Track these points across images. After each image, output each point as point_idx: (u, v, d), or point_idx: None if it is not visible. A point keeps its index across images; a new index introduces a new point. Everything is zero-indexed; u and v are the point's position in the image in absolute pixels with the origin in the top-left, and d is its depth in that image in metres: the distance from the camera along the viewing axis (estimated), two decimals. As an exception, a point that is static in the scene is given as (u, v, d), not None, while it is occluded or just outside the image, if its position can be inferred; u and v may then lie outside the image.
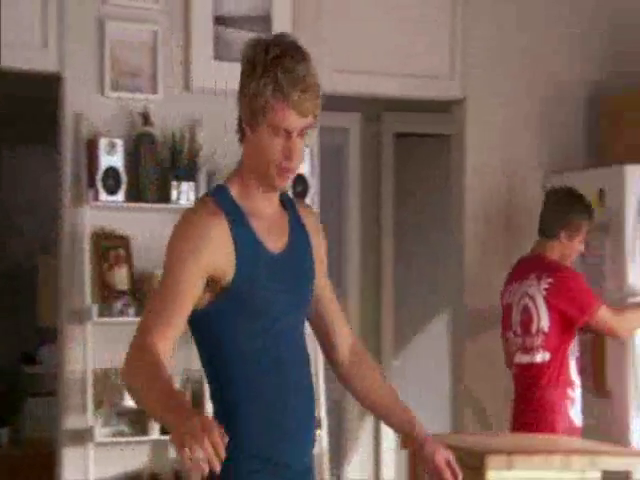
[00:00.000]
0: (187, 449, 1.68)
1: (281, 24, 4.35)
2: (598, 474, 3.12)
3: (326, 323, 2.26)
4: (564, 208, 3.90)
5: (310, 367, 2.18)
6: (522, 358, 3.90)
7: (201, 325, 2.07)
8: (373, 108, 5.52)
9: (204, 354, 2.10)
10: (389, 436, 5.34)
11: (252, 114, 2.06)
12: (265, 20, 4.34)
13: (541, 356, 3.83)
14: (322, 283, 2.25)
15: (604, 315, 3.82)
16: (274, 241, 2.12)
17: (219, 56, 4.25)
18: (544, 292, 3.84)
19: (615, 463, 3.21)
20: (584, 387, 3.95)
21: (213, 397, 2.11)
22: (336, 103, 4.52)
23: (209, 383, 2.12)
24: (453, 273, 4.80)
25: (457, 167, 4.74)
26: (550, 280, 3.83)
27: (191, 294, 2.01)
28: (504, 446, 3.31)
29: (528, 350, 3.87)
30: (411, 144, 5.73)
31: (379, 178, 5.69)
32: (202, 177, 4.11)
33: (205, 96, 4.19)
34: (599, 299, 3.85)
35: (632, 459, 3.30)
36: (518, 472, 3.07)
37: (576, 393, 3.87)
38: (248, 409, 2.05)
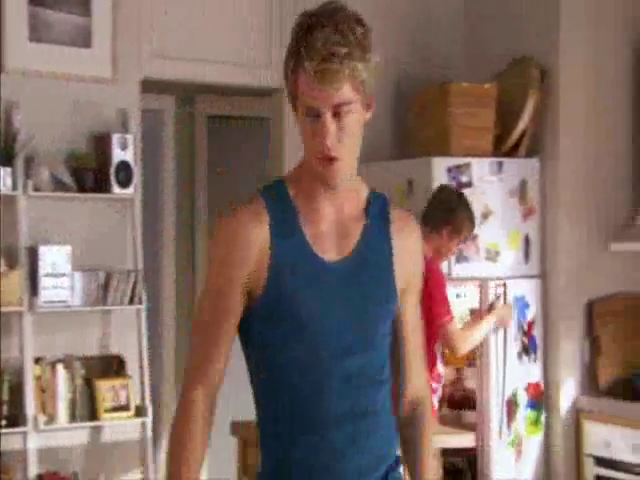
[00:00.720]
0: None
1: (101, 7, 4.32)
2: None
3: (402, 353, 1.95)
4: (454, 207, 4.00)
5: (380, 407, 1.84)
6: None
7: (240, 327, 1.86)
8: (187, 90, 5.55)
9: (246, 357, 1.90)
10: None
11: (290, 99, 1.83)
12: (84, 2, 4.30)
13: None
14: (408, 310, 1.95)
15: (452, 330, 3.94)
16: (330, 248, 1.84)
17: (36, 37, 4.17)
18: None
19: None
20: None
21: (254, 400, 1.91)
22: (151, 85, 4.58)
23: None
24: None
25: (276, 149, 4.85)
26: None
27: (234, 315, 1.82)
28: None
29: None
30: (225, 126, 5.81)
31: (193, 160, 5.75)
32: (20, 163, 4.03)
33: (22, 78, 4.11)
34: (451, 313, 3.97)
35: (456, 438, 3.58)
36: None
37: (439, 386, 4.05)
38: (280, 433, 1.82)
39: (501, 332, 4.46)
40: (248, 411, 5.12)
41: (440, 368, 4.04)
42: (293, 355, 1.79)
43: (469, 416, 4.51)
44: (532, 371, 4.57)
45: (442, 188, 4.19)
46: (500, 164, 4.56)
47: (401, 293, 1.90)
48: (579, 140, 4.65)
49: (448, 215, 3.99)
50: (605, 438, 4.42)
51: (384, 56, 4.89)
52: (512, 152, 4.64)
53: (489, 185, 4.52)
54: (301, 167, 1.87)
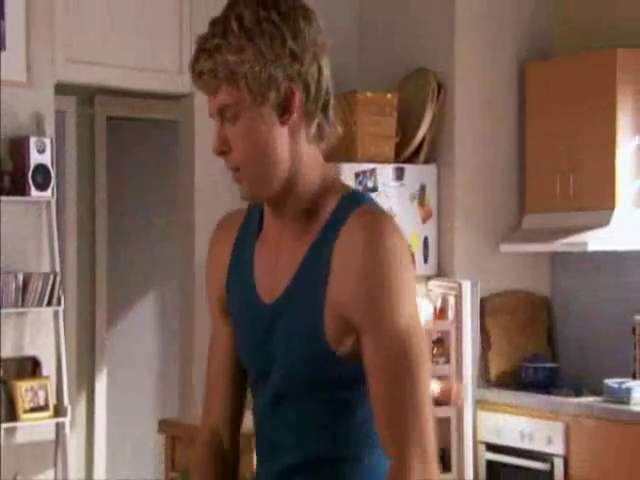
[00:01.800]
0: None
1: (15, 14, 4.34)
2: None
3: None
4: None
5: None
6: None
7: None
8: (87, 92, 5.60)
9: None
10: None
11: None
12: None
13: None
14: (365, 349, 1.53)
15: None
16: (271, 283, 1.60)
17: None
18: None
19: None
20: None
21: None
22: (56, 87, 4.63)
23: None
24: (182, 254, 5.05)
25: (186, 153, 4.97)
26: None
27: (223, 347, 1.72)
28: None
29: None
30: (127, 128, 5.88)
31: (93, 162, 5.80)
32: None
33: None
34: None
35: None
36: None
37: None
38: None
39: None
40: (175, 409, 5.24)
41: None
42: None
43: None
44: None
45: None
46: (402, 170, 4.83)
47: (349, 327, 1.54)
48: (472, 148, 4.96)
49: None
50: (496, 426, 4.75)
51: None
52: (412, 159, 4.92)
53: (392, 190, 4.79)
54: None
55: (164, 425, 4.14)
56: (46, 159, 4.27)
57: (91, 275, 5.65)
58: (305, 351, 1.55)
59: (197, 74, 1.54)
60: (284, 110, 1.55)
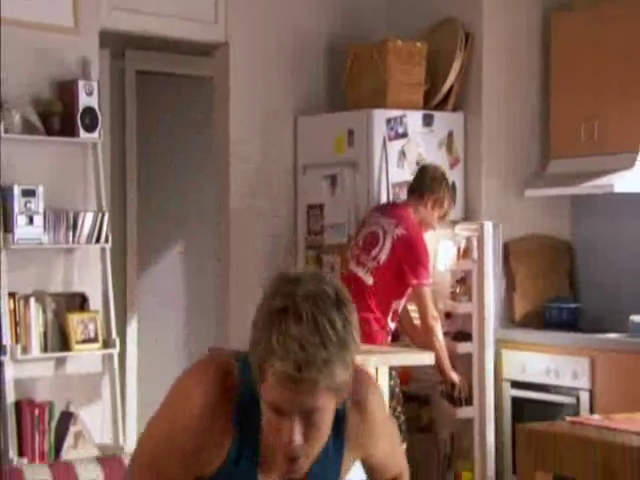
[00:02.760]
0: None
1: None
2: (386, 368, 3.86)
3: None
4: (439, 180, 4.54)
5: None
6: (355, 268, 4.48)
7: None
8: (118, 45, 5.74)
9: None
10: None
11: (256, 371, 1.63)
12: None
13: (368, 278, 4.41)
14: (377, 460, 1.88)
15: (428, 294, 4.41)
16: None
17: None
18: (395, 237, 4.41)
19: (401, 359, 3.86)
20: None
21: None
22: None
23: None
24: (218, 201, 5.20)
25: (220, 108, 5.12)
26: (405, 232, 4.42)
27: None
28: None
29: (359, 264, 4.45)
30: (157, 82, 6.02)
31: (124, 115, 5.94)
32: (-7, 105, 4.18)
33: (-12, 25, 4.26)
34: (429, 278, 4.44)
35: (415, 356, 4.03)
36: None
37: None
38: None
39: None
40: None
41: (390, 323, 4.48)
42: None
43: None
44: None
45: (427, 165, 4.69)
46: (430, 117, 4.99)
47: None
48: (498, 96, 5.13)
49: (434, 185, 4.51)
50: (521, 363, 4.94)
51: (314, 14, 5.17)
52: (440, 106, 5.09)
53: (422, 136, 4.95)
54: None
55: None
56: (94, 102, 4.42)
57: (122, 221, 5.81)
58: None
59: (300, 382, 1.56)
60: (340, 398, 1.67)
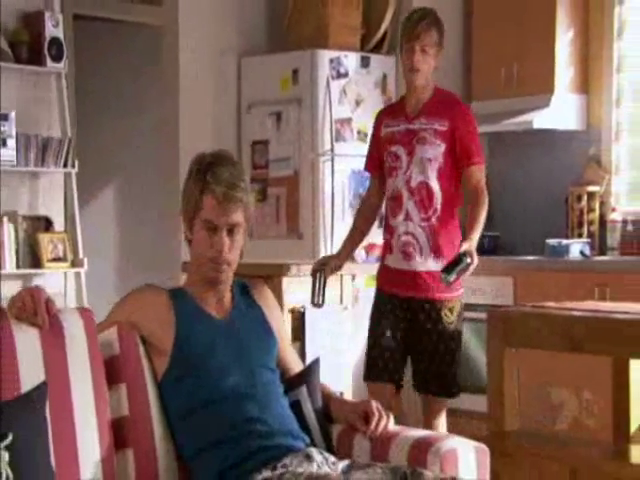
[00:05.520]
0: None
1: None
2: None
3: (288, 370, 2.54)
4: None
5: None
6: None
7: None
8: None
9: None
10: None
11: (190, 212, 2.37)
12: None
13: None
14: (285, 352, 2.54)
15: (482, 174, 3.70)
16: (217, 310, 2.41)
17: None
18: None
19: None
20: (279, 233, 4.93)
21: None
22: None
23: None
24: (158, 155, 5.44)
25: (170, 49, 5.38)
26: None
27: None
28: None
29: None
30: (93, 28, 6.16)
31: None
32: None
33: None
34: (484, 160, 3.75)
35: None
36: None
37: None
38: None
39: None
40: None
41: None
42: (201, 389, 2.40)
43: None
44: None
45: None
46: (367, 59, 5.39)
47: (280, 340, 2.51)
48: (426, 42, 5.55)
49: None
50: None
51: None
52: (375, 49, 5.48)
53: (359, 76, 5.34)
54: (190, 270, 2.46)
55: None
56: (59, 33, 4.61)
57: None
58: (265, 348, 2.53)
59: (230, 198, 2.36)
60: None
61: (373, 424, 2.37)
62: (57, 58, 4.59)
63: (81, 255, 4.66)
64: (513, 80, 5.40)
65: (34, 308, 2.16)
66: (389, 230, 3.71)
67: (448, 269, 3.36)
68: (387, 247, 3.72)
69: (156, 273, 5.46)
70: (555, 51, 5.28)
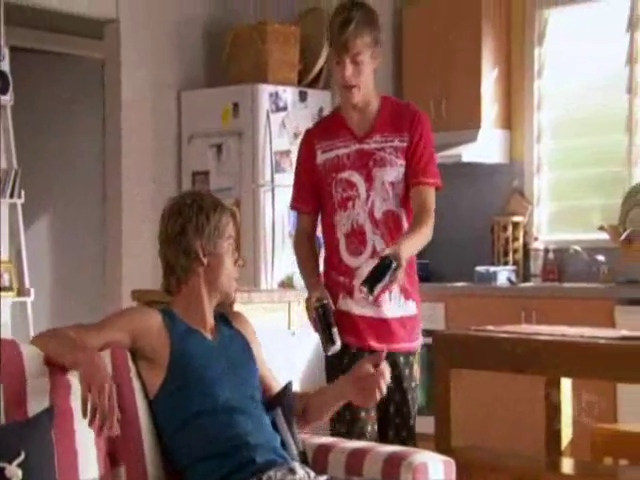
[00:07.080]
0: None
1: None
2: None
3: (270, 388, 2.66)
4: None
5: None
6: None
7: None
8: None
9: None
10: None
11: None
12: None
13: None
14: (266, 373, 2.68)
15: (432, 196, 3.26)
16: (207, 332, 2.56)
17: None
18: None
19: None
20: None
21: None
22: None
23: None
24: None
25: (113, 84, 5.49)
26: None
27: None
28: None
29: None
30: (31, 60, 6.24)
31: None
32: None
33: None
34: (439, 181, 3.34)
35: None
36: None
37: None
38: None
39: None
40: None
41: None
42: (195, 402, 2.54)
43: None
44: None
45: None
46: (305, 93, 5.60)
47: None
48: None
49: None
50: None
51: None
52: (312, 84, 5.70)
53: (298, 110, 5.54)
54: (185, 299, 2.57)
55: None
56: (5, 66, 4.68)
57: None
58: (251, 370, 2.69)
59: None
60: None
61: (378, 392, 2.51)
62: (3, 91, 4.66)
63: (27, 285, 4.72)
64: (442, 115, 5.67)
65: (103, 411, 2.16)
66: (344, 271, 3.13)
67: (371, 280, 2.81)
68: (342, 290, 3.12)
69: (99, 302, 5.55)
70: (481, 88, 5.57)
